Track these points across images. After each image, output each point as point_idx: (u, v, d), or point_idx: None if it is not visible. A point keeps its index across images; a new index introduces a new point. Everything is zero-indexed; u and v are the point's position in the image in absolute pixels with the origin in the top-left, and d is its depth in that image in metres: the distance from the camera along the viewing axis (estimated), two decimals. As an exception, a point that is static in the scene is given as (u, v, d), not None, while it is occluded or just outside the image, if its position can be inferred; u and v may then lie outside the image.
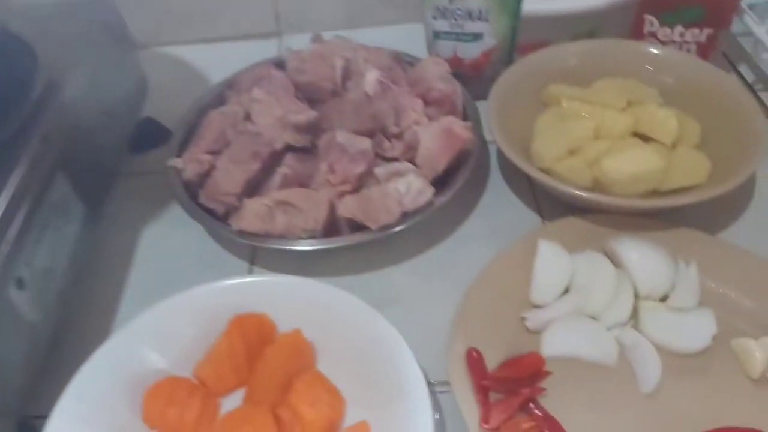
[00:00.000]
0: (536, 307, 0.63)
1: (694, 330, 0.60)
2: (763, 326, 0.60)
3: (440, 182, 0.68)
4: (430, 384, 0.60)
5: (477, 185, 0.78)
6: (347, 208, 0.63)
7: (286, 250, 0.65)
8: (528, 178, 0.76)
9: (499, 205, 0.75)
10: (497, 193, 0.77)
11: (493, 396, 0.56)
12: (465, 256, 0.69)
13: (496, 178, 0.79)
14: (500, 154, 0.79)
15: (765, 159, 0.67)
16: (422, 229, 0.72)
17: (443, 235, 0.73)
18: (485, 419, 0.54)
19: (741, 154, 0.68)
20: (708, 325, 0.60)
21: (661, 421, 0.56)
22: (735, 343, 0.60)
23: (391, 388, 0.56)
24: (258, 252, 0.72)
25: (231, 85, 0.81)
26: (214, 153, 0.70)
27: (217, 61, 0.92)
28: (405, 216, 0.65)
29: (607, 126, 0.71)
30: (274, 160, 0.69)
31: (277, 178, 0.68)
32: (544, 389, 0.57)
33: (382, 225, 0.64)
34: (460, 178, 0.69)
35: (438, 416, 0.58)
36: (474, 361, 0.58)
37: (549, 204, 0.75)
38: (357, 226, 0.65)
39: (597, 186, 0.68)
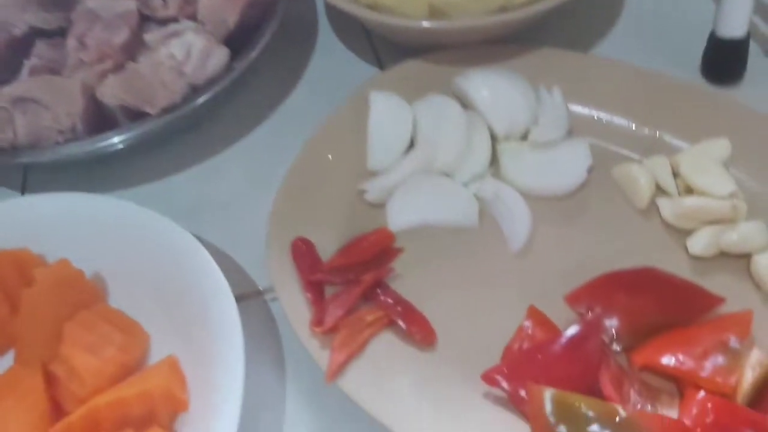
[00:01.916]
0: (376, 174, 0.51)
1: (566, 165, 0.49)
2: (646, 146, 0.50)
3: (241, 42, 0.54)
4: (259, 293, 0.48)
5: (301, 42, 0.63)
6: (112, 91, 0.48)
7: (41, 163, 0.50)
8: (362, 25, 0.62)
9: (331, 64, 0.61)
10: (328, 49, 0.63)
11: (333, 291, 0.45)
12: (295, 134, 0.55)
13: (325, 32, 0.64)
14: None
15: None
16: (233, 107, 0.58)
17: (264, 111, 0.58)
18: (316, 321, 0.42)
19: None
20: (581, 157, 0.49)
21: (541, 279, 0.45)
22: (616, 172, 0.49)
23: (197, 310, 0.43)
24: (29, 173, 0.56)
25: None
26: (-63, 54, 0.53)
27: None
28: (196, 91, 0.51)
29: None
30: (17, 50, 0.52)
31: (24, 74, 0.51)
32: (391, 270, 0.46)
33: (163, 107, 0.49)
34: (266, 33, 0.54)
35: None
36: (301, 253, 0.45)
37: (390, 52, 0.61)
38: (135, 114, 0.50)
39: (435, 14, 0.55)
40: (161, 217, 0.46)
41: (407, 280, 0.46)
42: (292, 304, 0.43)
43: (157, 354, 0.45)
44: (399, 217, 0.48)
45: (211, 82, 0.51)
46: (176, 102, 0.49)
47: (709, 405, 0.36)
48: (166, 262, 0.46)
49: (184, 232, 0.45)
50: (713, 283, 0.44)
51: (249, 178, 0.54)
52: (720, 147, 0.47)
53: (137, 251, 0.47)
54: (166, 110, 0.49)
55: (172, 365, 0.43)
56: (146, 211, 0.47)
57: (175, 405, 0.41)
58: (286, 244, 0.46)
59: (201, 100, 0.50)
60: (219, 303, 0.42)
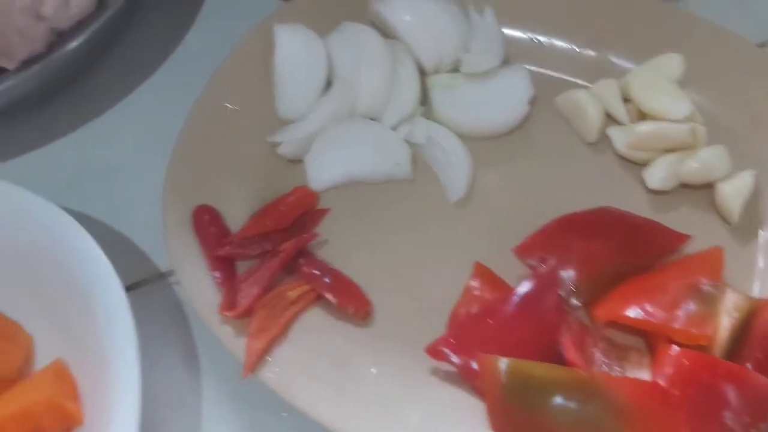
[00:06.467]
0: (289, 123, 0.43)
1: (505, 98, 0.43)
2: (591, 69, 0.44)
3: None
4: (161, 276, 0.41)
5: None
6: (-47, 45, 0.39)
7: None
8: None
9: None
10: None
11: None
12: (192, 84, 0.44)
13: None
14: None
15: None
16: (114, 56, 0.49)
17: (153, 59, 0.50)
18: (227, 304, 0.35)
19: None
20: (521, 87, 0.43)
21: (486, 231, 0.40)
22: (560, 101, 0.43)
23: (83, 304, 0.36)
24: None
25: None
26: None
27: None
28: (63, 37, 0.42)
29: None
30: None
31: None
32: (316, 235, 0.39)
33: (22, 59, 0.40)
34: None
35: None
36: (204, 224, 0.38)
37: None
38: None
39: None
40: (29, 194, 0.38)
41: (335, 245, 0.40)
42: (197, 287, 0.36)
43: (43, 359, 0.37)
44: (320, 173, 0.41)
45: (80, 25, 0.42)
46: (39, 52, 0.40)
47: (685, 361, 0.31)
48: (41, 249, 0.38)
49: (57, 209, 0.38)
50: (675, 218, 0.39)
51: (140, 140, 0.46)
52: (672, 64, 0.42)
53: (6, 239, 0.39)
54: (27, 63, 0.40)
55: (59, 372, 0.35)
56: (13, 189, 0.39)
57: (66, 419, 0.34)
58: (187, 216, 0.39)
59: (70, 47, 0.41)
60: (105, 293, 0.35)
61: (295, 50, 0.43)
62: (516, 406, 0.31)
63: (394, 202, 0.42)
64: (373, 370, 0.35)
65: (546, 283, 0.35)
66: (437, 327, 0.36)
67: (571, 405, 0.30)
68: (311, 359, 0.35)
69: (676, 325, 0.32)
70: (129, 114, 0.48)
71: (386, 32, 0.45)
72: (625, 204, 0.39)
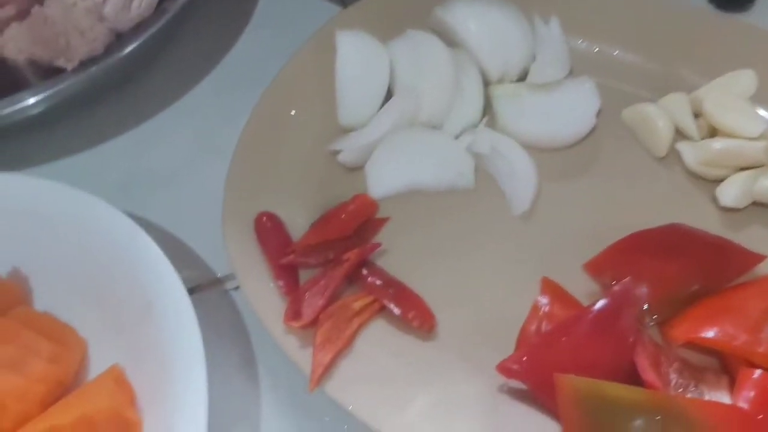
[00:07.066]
0: (350, 131, 0.43)
1: (571, 110, 0.42)
2: (658, 83, 0.43)
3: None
4: (218, 282, 0.40)
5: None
6: (16, 44, 0.38)
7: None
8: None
9: (286, 2, 0.52)
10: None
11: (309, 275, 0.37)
12: (246, 87, 0.44)
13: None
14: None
15: None
16: (170, 58, 0.49)
17: (208, 61, 0.49)
18: (292, 314, 0.34)
19: None
20: (588, 99, 0.42)
21: (550, 245, 0.39)
22: (627, 115, 0.42)
23: (141, 308, 0.35)
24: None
25: None
26: None
27: None
28: (122, 38, 0.41)
29: None
30: None
31: None
32: (378, 245, 0.38)
33: (81, 60, 0.39)
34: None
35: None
36: (266, 231, 0.38)
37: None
38: (48, 70, 0.41)
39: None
40: (89, 197, 0.38)
41: (394, 255, 0.39)
42: (260, 295, 0.35)
43: (97, 364, 0.37)
44: (381, 182, 0.41)
45: (139, 27, 0.42)
46: (97, 53, 0.40)
47: (768, 385, 0.30)
48: (100, 252, 0.37)
49: (118, 212, 0.37)
50: (747, 237, 0.38)
51: (195, 142, 0.46)
52: (745, 80, 0.41)
53: (63, 241, 0.38)
54: (85, 64, 0.40)
55: (118, 378, 0.35)
56: (70, 190, 0.38)
57: (125, 428, 0.34)
58: (248, 222, 0.38)
59: (128, 49, 0.41)
60: (167, 297, 0.34)
61: (357, 57, 0.42)
62: (593, 427, 0.30)
63: (455, 212, 0.41)
64: (438, 386, 0.34)
65: (621, 302, 0.34)
66: (502, 341, 0.35)
67: (652, 428, 0.29)
68: (374, 371, 0.34)
69: (761, 349, 0.31)
70: (181, 117, 0.47)
71: (449, 40, 0.44)
72: (695, 221, 0.38)
